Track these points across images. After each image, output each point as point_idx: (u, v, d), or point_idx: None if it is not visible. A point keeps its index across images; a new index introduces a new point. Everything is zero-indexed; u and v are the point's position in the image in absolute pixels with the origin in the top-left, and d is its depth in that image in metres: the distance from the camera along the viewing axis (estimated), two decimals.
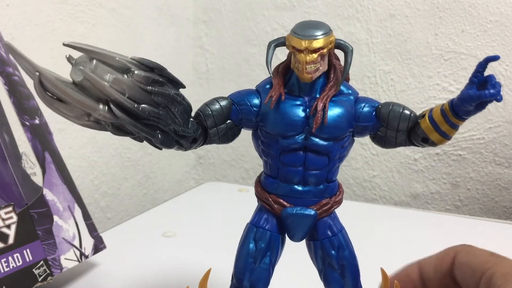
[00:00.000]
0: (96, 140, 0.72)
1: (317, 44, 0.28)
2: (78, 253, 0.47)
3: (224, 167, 0.97)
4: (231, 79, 0.91)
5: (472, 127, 0.76)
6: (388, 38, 0.78)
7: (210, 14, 0.91)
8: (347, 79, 0.32)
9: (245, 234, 0.32)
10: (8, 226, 0.41)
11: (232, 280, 0.32)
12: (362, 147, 0.84)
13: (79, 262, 0.47)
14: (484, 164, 0.76)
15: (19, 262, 0.41)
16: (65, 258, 0.45)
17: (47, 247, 0.44)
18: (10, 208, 0.41)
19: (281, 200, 0.31)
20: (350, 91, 0.31)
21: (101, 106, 0.26)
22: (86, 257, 0.48)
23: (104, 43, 0.71)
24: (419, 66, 0.77)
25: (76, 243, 0.47)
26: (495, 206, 0.77)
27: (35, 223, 0.43)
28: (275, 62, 0.31)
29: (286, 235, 0.32)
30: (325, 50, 0.29)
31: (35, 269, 0.42)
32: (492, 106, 0.74)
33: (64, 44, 0.25)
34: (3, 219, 0.41)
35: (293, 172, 0.31)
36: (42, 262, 0.43)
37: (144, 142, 0.29)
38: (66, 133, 0.67)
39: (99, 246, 0.50)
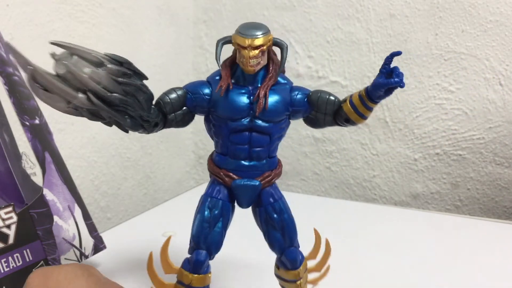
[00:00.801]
0: (96, 140, 0.72)
1: (258, 42, 0.34)
2: (78, 253, 0.47)
3: None
4: None
5: (472, 127, 0.76)
6: (388, 38, 0.78)
7: (210, 14, 0.91)
8: (283, 72, 0.37)
9: (200, 203, 0.38)
10: (8, 226, 0.41)
11: (190, 243, 0.37)
12: (362, 147, 0.84)
13: (79, 262, 0.47)
14: (484, 164, 0.76)
15: (19, 262, 0.41)
16: (65, 258, 0.45)
17: (47, 247, 0.44)
18: (10, 208, 0.41)
19: (231, 174, 0.37)
20: (286, 81, 0.37)
21: (80, 95, 0.31)
22: (86, 257, 0.48)
23: (104, 43, 0.71)
24: (419, 66, 0.77)
25: (76, 243, 0.47)
26: (495, 206, 0.77)
27: (35, 223, 0.43)
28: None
29: (235, 203, 0.38)
30: (264, 47, 0.34)
31: (35, 269, 0.42)
32: (492, 106, 0.74)
33: (50, 43, 0.30)
34: (3, 219, 0.41)
35: (240, 149, 0.36)
36: (42, 262, 0.43)
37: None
38: (66, 133, 0.67)
39: (99, 246, 0.50)
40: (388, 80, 0.34)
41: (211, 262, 0.38)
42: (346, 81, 0.82)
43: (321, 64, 0.83)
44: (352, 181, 0.86)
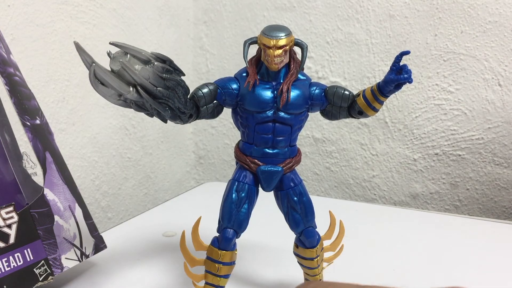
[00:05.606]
0: (97, 140, 0.72)
1: (281, 42, 0.37)
2: (78, 252, 0.47)
3: (224, 167, 0.97)
4: None
5: (471, 127, 0.76)
6: (388, 39, 0.78)
7: (210, 14, 0.91)
8: (302, 69, 0.41)
9: (228, 187, 0.41)
10: (9, 226, 0.41)
11: (219, 223, 0.41)
12: (362, 148, 0.84)
13: (80, 261, 0.47)
14: (483, 164, 0.76)
15: (20, 261, 0.41)
16: (66, 258, 0.46)
17: (48, 247, 0.44)
18: (11, 208, 0.42)
19: (256, 160, 0.41)
20: (305, 78, 0.40)
21: (131, 89, 0.34)
22: (87, 256, 0.48)
23: (104, 43, 0.72)
24: (419, 66, 0.77)
25: (77, 242, 0.47)
26: (494, 206, 0.77)
27: (36, 222, 0.43)
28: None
29: (259, 187, 0.42)
30: (287, 47, 0.37)
31: (36, 269, 0.42)
32: (491, 107, 0.74)
33: (109, 43, 0.35)
34: (4, 219, 0.41)
35: (265, 138, 0.40)
36: (42, 261, 0.43)
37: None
38: (67, 133, 0.67)
39: (99, 245, 0.50)
40: (398, 76, 0.37)
41: (237, 241, 0.41)
42: (345, 81, 0.82)
43: (321, 65, 0.83)
44: (351, 181, 0.86)
